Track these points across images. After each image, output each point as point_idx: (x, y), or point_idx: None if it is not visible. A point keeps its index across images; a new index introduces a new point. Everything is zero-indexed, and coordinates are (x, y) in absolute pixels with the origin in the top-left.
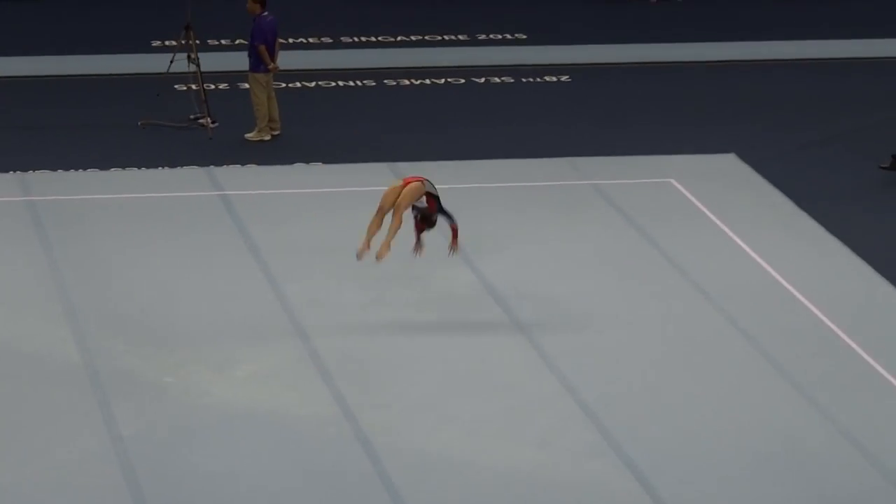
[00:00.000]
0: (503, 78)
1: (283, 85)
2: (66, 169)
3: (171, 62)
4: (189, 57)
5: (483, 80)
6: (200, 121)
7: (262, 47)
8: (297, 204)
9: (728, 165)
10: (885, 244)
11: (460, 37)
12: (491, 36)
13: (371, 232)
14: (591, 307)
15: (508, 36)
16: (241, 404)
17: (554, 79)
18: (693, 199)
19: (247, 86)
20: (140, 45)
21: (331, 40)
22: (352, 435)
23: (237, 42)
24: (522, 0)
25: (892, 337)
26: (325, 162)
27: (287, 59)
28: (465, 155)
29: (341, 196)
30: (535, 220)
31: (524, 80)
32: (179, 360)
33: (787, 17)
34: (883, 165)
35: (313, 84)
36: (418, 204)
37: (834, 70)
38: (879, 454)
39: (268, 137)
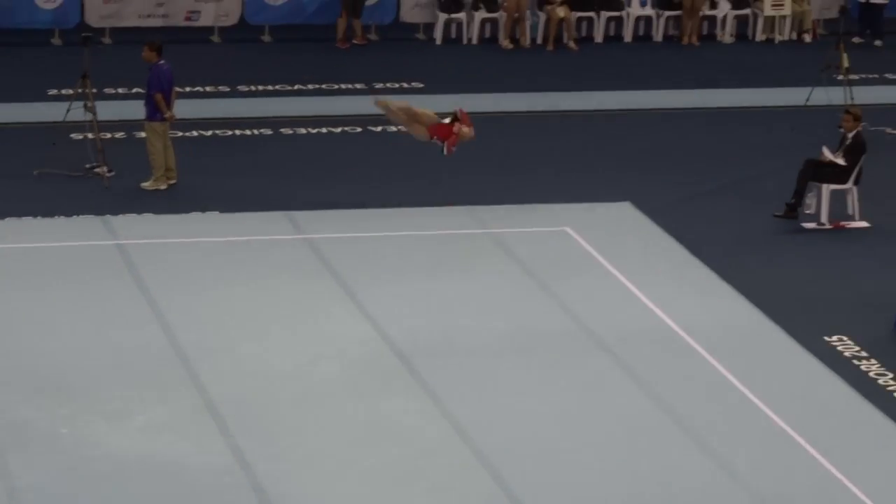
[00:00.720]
0: (400, 127)
1: (180, 133)
2: None
3: (68, 111)
4: (85, 105)
5: (380, 128)
6: (97, 170)
7: (159, 96)
8: (193, 253)
9: (623, 214)
10: (776, 290)
11: (357, 85)
12: (388, 84)
13: (399, 110)
14: (487, 356)
15: (406, 84)
16: (136, 454)
17: None
18: (588, 247)
19: (143, 134)
20: (36, 94)
21: (228, 89)
22: (247, 485)
23: (134, 90)
24: (420, 49)
25: (783, 382)
26: (221, 211)
27: (183, 108)
28: (364, 203)
29: (238, 245)
30: (434, 269)
31: None
32: (74, 411)
33: (678, 67)
34: (777, 213)
35: (210, 133)
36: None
37: (727, 119)
38: (772, 499)
39: (164, 186)
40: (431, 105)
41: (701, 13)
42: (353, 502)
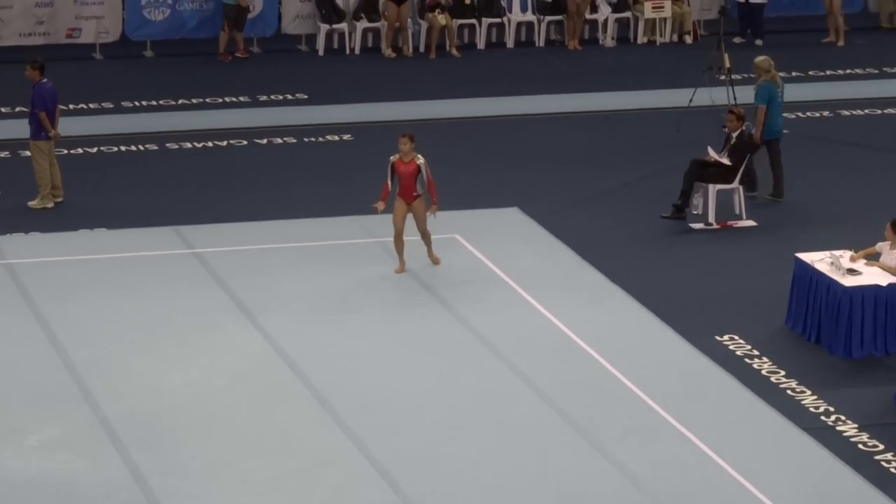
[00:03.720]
0: (285, 138)
1: (65, 151)
2: None
3: None
4: None
5: (265, 140)
6: None
7: (43, 114)
8: (82, 270)
9: (512, 219)
10: (666, 292)
11: (241, 98)
12: (272, 97)
13: (400, 251)
14: (381, 364)
15: (290, 96)
16: (30, 474)
17: (336, 137)
18: (478, 254)
19: (28, 153)
20: None
21: (112, 105)
22: (144, 501)
23: (17, 109)
24: (303, 60)
25: (676, 383)
26: (109, 227)
27: (68, 126)
28: (252, 216)
29: (127, 261)
30: (321, 277)
31: (306, 139)
32: None
33: (561, 71)
34: (664, 215)
35: (95, 150)
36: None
37: (610, 122)
38: (665, 500)
39: (51, 205)
40: (318, 115)
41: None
42: None
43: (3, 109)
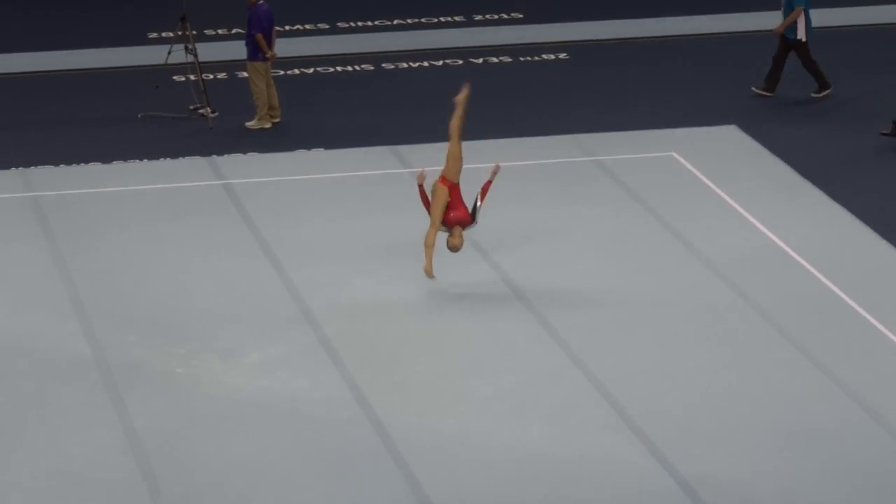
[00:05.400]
0: (501, 58)
1: (282, 72)
2: (69, 164)
3: (169, 53)
4: (186, 48)
5: (481, 60)
6: (200, 111)
7: (260, 36)
8: (300, 190)
9: (729, 136)
10: (887, 209)
11: (457, 18)
12: (487, 16)
13: (431, 250)
14: (599, 283)
15: (505, 15)
16: (251, 392)
17: (552, 56)
18: (696, 171)
19: (245, 75)
20: (137, 38)
21: (327, 26)
22: (364, 417)
23: (234, 31)
24: None
25: None
26: (326, 148)
27: (284, 47)
28: (467, 136)
29: (344, 181)
30: (540, 197)
31: (522, 59)
32: (189, 351)
33: None
34: (884, 132)
35: (311, 70)
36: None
37: (831, 38)
38: (889, 417)
39: (268, 125)
40: (534, 34)
41: None
42: (470, 432)
43: (219, 31)
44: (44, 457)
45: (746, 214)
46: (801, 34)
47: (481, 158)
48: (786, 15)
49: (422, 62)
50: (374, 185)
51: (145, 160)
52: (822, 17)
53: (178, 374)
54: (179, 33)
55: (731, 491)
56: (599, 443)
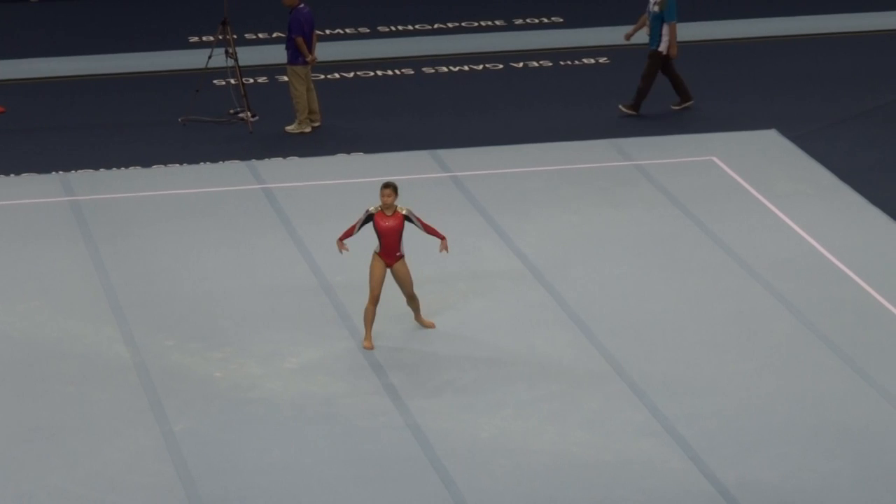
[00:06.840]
0: (541, 62)
1: (322, 76)
2: (109, 168)
3: (210, 58)
4: (227, 52)
5: (521, 64)
6: (240, 115)
7: (300, 39)
8: (340, 194)
9: (769, 141)
10: None
11: (497, 22)
12: (528, 20)
13: (370, 322)
14: (638, 287)
15: (545, 20)
16: (289, 396)
17: (592, 61)
18: (735, 176)
19: (286, 79)
20: (177, 42)
21: (368, 30)
22: (402, 422)
23: (274, 35)
24: None
25: None
26: (366, 151)
27: (325, 51)
28: (507, 140)
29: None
30: (579, 201)
31: (562, 63)
32: (227, 355)
33: None
34: None
35: (352, 74)
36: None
37: (871, 43)
38: None
39: (308, 129)
40: (574, 38)
41: None
42: (508, 437)
43: (260, 35)
44: (82, 461)
45: (786, 219)
46: (664, 47)
47: (524, 163)
48: (652, 29)
49: (462, 66)
50: (414, 189)
51: (185, 164)
52: (863, 22)
53: (216, 378)
54: (220, 37)
55: (770, 495)
56: (638, 448)
